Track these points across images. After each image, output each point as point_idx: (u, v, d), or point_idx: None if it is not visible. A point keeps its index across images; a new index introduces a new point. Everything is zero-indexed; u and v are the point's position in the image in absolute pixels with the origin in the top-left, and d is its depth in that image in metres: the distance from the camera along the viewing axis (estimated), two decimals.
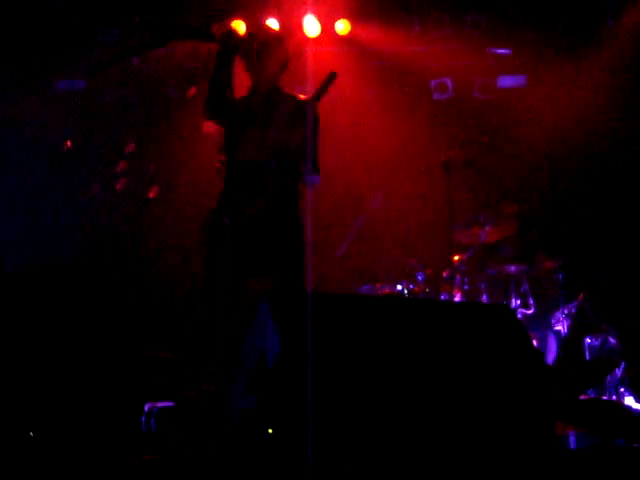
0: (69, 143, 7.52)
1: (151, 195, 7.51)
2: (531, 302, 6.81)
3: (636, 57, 7.54)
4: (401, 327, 3.74)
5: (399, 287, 6.77)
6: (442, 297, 6.73)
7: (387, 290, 6.77)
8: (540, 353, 6.10)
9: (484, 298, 6.78)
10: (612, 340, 6.17)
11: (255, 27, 7.43)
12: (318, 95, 4.63)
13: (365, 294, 6.74)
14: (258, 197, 4.53)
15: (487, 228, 6.91)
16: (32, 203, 7.89)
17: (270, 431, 3.62)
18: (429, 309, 4.18)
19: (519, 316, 6.64)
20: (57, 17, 7.47)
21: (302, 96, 4.80)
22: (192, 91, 7.10)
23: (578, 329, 6.39)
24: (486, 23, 7.98)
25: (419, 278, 6.82)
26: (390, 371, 3.50)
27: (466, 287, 6.75)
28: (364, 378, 3.45)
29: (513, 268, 6.84)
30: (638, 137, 7.50)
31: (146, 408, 5.70)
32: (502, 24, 7.90)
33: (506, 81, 8.29)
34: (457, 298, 6.66)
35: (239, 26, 7.83)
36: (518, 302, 6.75)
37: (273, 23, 7.96)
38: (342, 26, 8.00)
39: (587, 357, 6.29)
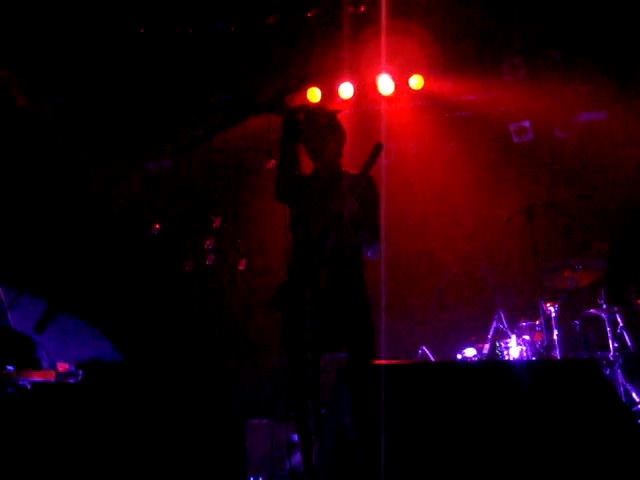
0: (157, 226, 7.78)
1: (240, 268, 7.69)
2: (629, 343, 6.64)
3: None
4: (480, 394, 3.73)
5: (489, 344, 6.69)
6: (537, 345, 6.63)
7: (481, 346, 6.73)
8: (628, 408, 5.89)
9: (581, 343, 6.64)
10: None
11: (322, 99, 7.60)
12: (366, 168, 4.66)
13: (440, 361, 6.62)
14: (324, 271, 4.57)
15: (578, 271, 6.79)
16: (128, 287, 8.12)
17: None
18: (508, 372, 4.15)
19: (619, 358, 6.49)
20: (145, 104, 7.83)
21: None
22: (270, 163, 7.36)
23: None
24: (561, 60, 7.94)
25: (512, 331, 6.75)
26: (471, 443, 3.50)
27: (560, 334, 6.63)
28: (441, 450, 3.46)
29: (607, 309, 6.69)
30: None
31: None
32: (578, 60, 7.83)
33: (586, 117, 8.19)
34: (557, 350, 6.53)
35: (314, 94, 8.05)
36: (616, 344, 6.59)
37: (347, 87, 8.15)
38: (416, 81, 8.09)
39: None
